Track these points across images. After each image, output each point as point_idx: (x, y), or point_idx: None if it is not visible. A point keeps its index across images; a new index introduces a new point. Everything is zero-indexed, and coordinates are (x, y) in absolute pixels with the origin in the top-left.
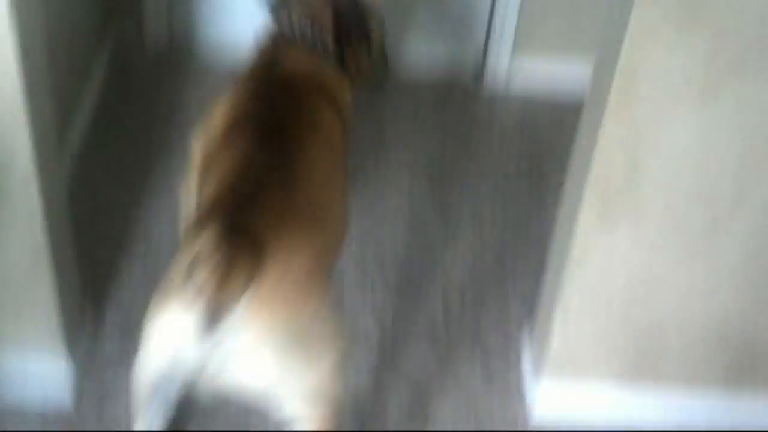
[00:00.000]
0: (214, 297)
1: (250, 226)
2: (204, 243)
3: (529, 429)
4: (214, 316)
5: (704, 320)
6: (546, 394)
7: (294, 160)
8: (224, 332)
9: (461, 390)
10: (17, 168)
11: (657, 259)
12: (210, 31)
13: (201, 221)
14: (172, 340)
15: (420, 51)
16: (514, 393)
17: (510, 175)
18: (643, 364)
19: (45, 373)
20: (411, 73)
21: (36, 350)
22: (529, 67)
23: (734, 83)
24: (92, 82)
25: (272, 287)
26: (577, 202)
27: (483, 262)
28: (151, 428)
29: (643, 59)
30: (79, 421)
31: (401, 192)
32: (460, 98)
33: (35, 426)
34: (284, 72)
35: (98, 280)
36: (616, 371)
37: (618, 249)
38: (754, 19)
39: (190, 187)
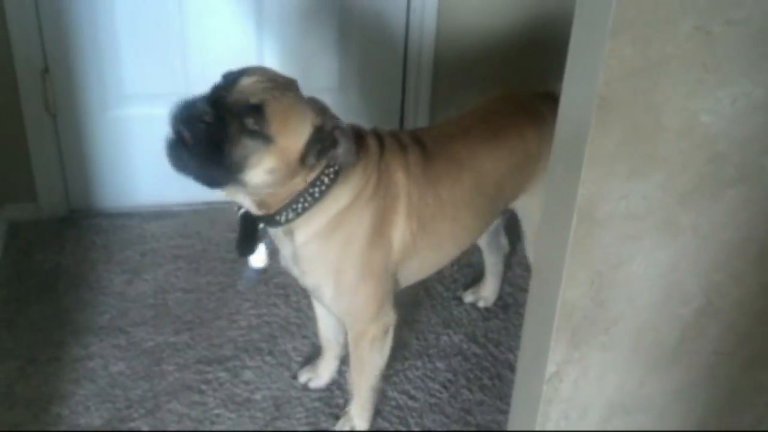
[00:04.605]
0: None
1: None
2: None
3: None
4: None
5: (681, 422)
6: None
7: None
8: None
9: None
10: None
11: (630, 374)
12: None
13: None
14: None
15: None
16: None
17: None
18: None
19: None
20: None
21: None
22: None
23: (690, 214)
24: None
25: None
26: (546, 329)
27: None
28: None
29: (598, 205)
30: None
31: None
32: None
33: None
34: None
35: None
36: None
37: (591, 368)
38: (701, 157)
39: None
